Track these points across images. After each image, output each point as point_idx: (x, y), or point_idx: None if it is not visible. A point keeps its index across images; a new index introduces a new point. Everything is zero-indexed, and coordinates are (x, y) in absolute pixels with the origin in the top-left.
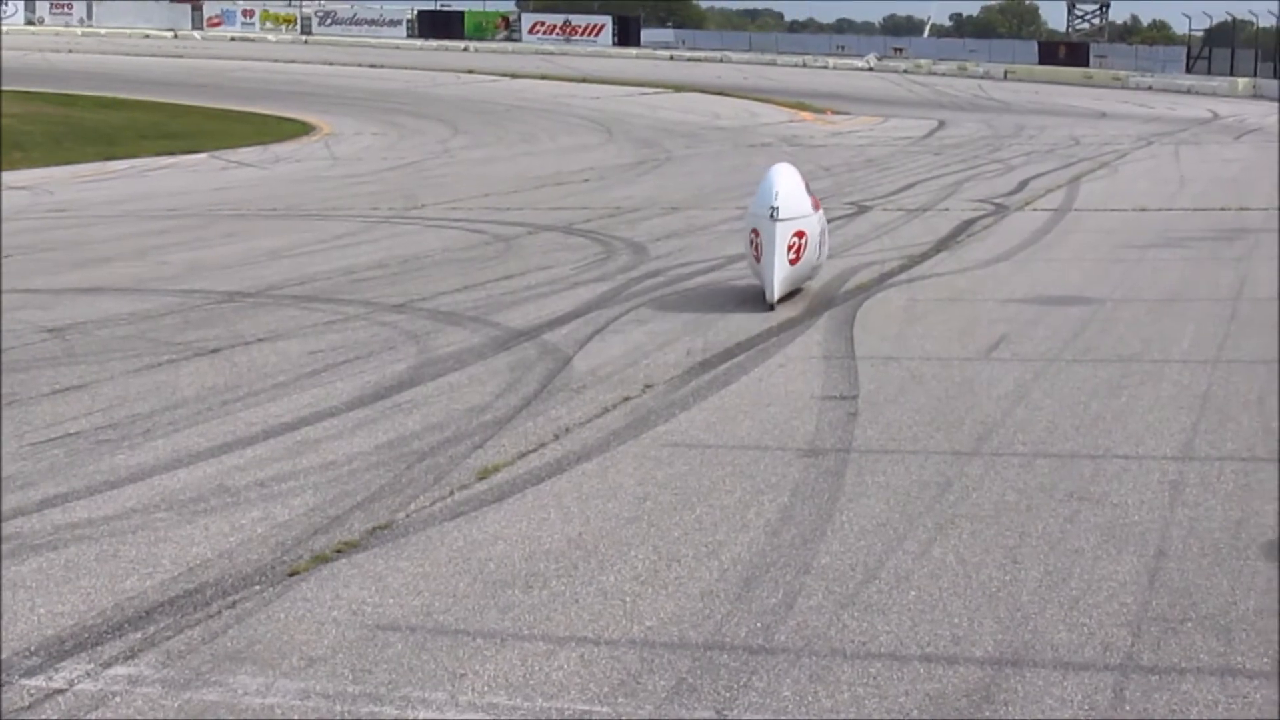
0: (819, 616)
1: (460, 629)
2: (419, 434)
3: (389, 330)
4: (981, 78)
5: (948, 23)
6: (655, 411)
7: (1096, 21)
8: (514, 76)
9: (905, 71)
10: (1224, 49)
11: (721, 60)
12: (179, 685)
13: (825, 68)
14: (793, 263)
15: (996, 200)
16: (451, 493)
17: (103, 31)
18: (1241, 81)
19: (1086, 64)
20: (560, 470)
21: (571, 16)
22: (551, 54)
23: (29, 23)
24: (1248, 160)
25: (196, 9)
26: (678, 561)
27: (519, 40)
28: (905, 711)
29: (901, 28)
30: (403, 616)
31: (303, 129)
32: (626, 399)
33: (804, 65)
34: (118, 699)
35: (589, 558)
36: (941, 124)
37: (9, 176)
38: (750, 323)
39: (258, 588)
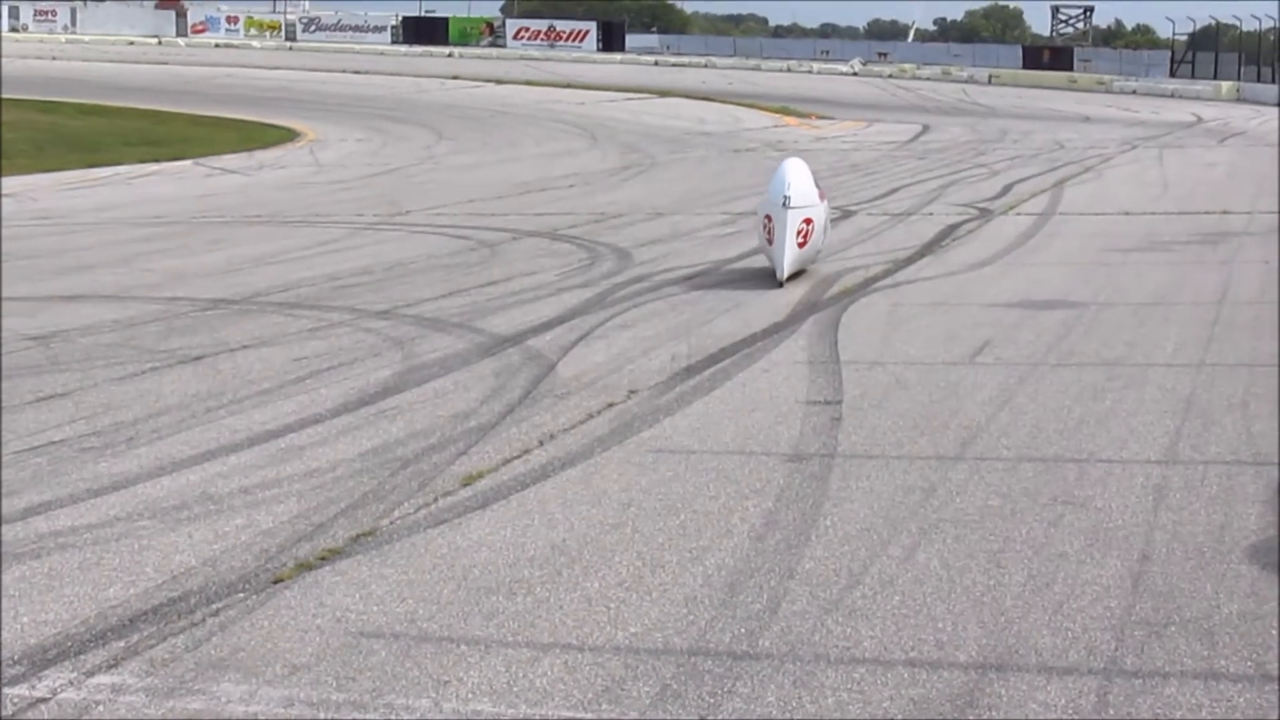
0: (803, 622)
1: (444, 636)
2: (403, 441)
3: (373, 337)
4: (966, 82)
5: (932, 27)
6: (640, 417)
7: (1080, 26)
8: (499, 82)
9: (889, 76)
10: (1208, 53)
11: (706, 65)
12: (163, 693)
13: (810, 73)
14: (801, 246)
15: (981, 205)
16: (436, 499)
17: (87, 38)
18: (1226, 85)
19: (1071, 68)
20: (544, 476)
21: (556, 22)
22: (536, 60)
23: (12, 29)
24: (1232, 164)
25: (181, 15)
26: (662, 567)
27: (503, 46)
28: (889, 716)
29: (886, 32)
30: (387, 624)
31: (287, 135)
32: (611, 405)
33: (788, 70)
34: (101, 707)
35: (573, 564)
36: (926, 128)
37: None
38: (734, 328)
39: (241, 595)
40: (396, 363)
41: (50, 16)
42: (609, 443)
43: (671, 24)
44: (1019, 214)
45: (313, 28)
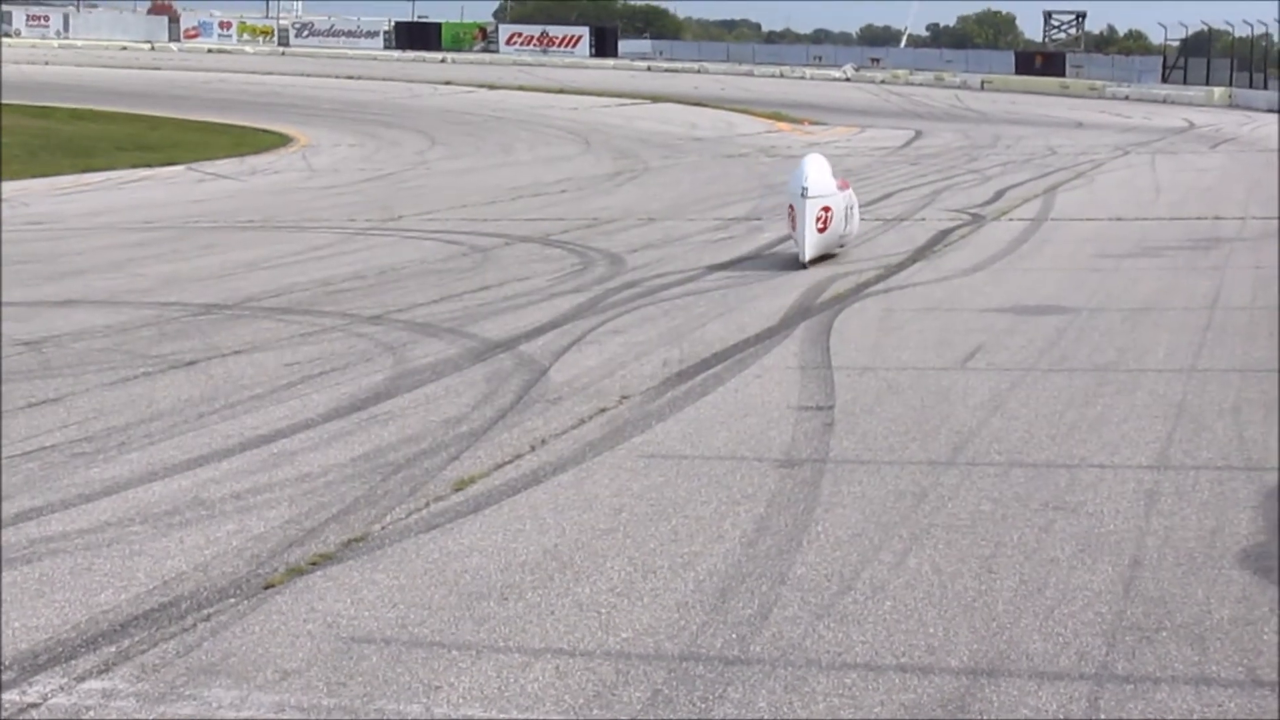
0: (795, 627)
1: (436, 641)
2: (395, 446)
3: (365, 342)
4: (958, 88)
5: (925, 33)
6: (631, 423)
7: (1073, 31)
8: (491, 87)
9: (882, 82)
10: (1200, 58)
11: (699, 71)
12: (154, 699)
13: (802, 78)
14: (820, 231)
15: (973, 210)
16: (427, 504)
17: (79, 43)
18: (1218, 91)
19: (1063, 74)
20: (536, 482)
21: (549, 27)
22: (529, 65)
23: (4, 35)
24: (1223, 169)
25: (174, 21)
26: (653, 573)
27: (496, 51)
28: None
29: (878, 38)
30: (378, 629)
31: (280, 140)
32: (603, 410)
33: (781, 76)
34: (92, 713)
35: (564, 569)
36: (918, 134)
37: None
38: (727, 333)
39: (233, 601)
40: (388, 368)
41: (43, 21)
42: (601, 448)
43: (664, 29)
44: (1011, 219)
45: (305, 33)
